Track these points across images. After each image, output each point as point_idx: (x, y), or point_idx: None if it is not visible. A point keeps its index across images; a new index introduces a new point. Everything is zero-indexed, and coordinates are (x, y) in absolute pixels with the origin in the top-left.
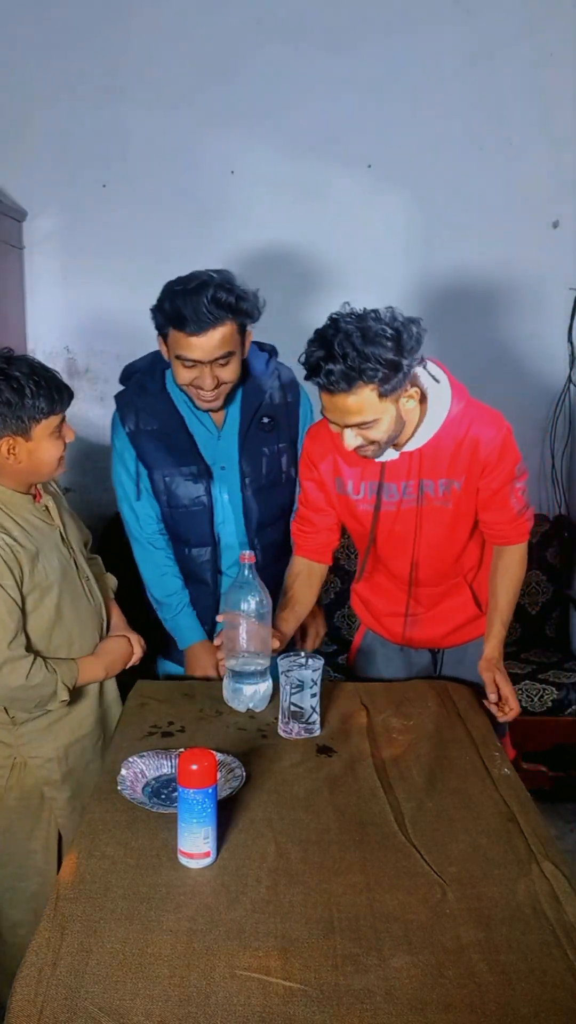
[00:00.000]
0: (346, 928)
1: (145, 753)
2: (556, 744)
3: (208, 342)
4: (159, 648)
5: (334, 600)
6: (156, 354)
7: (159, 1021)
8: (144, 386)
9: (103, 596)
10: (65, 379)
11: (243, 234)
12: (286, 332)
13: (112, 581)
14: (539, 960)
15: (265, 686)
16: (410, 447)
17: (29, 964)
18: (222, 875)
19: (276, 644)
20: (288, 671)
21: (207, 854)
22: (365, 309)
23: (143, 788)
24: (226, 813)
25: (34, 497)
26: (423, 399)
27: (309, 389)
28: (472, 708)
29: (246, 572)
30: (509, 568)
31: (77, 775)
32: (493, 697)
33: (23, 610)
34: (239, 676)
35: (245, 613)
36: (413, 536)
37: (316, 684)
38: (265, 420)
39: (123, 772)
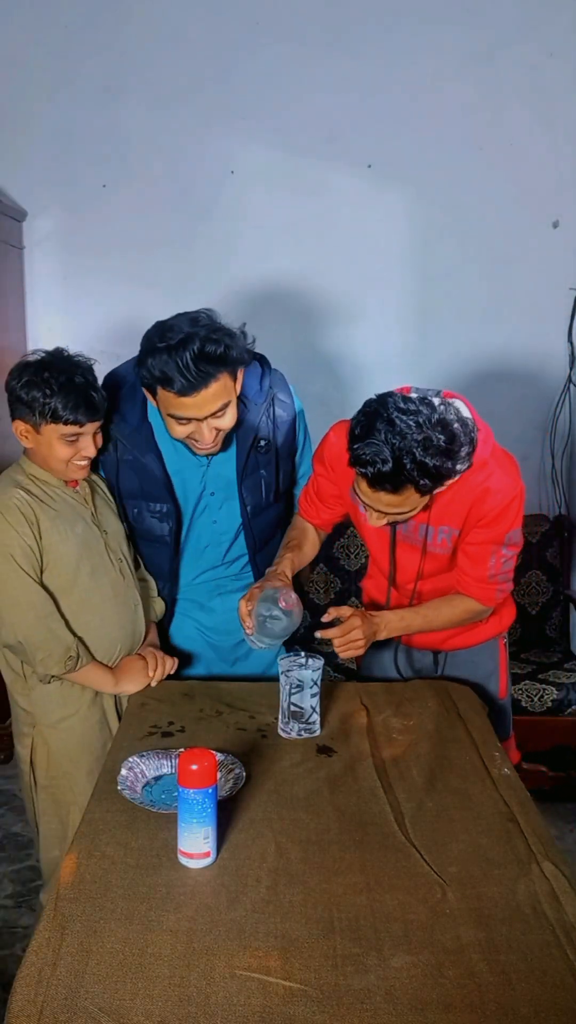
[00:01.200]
0: (346, 928)
1: (145, 753)
2: (556, 744)
3: (202, 401)
4: None
5: (334, 599)
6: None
7: (159, 1021)
8: (123, 414)
9: (145, 617)
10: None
11: (243, 234)
12: (286, 332)
13: (160, 606)
14: (539, 960)
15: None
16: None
17: (29, 964)
18: (222, 875)
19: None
20: (288, 671)
21: (207, 854)
22: (416, 398)
23: (143, 788)
24: (226, 813)
25: (66, 483)
26: None
27: (319, 393)
28: (472, 708)
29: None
30: (454, 602)
31: (94, 748)
32: (327, 618)
33: (41, 565)
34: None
35: (276, 616)
36: (417, 568)
37: (316, 684)
38: (262, 443)
39: (123, 772)
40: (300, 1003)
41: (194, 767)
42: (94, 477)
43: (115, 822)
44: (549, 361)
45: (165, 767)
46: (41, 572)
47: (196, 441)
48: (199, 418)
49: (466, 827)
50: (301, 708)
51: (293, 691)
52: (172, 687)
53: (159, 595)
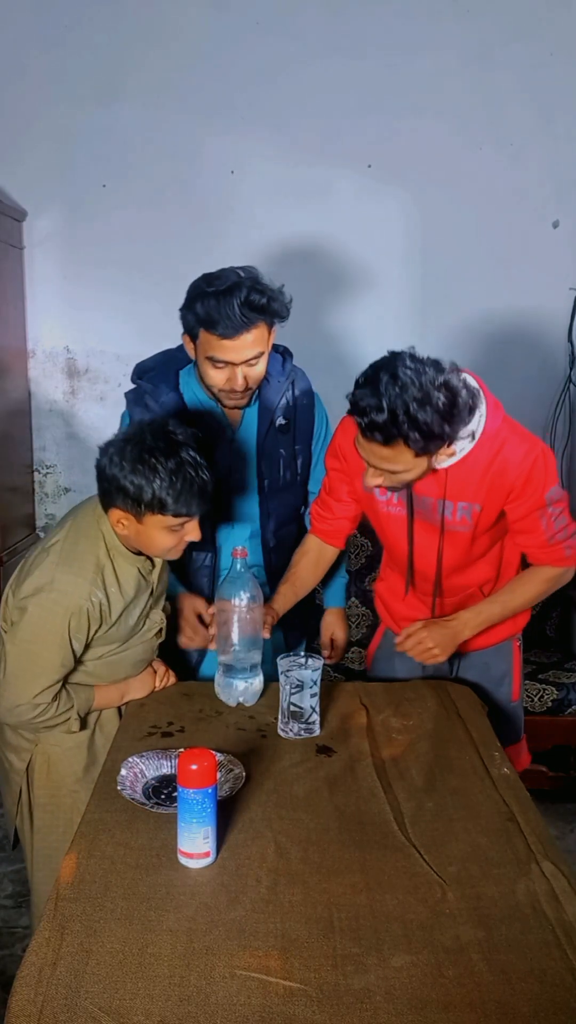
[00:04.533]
0: (346, 928)
1: (145, 753)
2: (556, 744)
3: (241, 344)
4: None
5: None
6: (167, 353)
7: (159, 1021)
8: (156, 386)
9: None
10: (64, 379)
11: (243, 234)
12: (286, 332)
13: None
14: (539, 960)
15: (257, 681)
16: (439, 466)
17: (29, 964)
18: (222, 875)
19: (269, 621)
20: (288, 671)
21: (207, 854)
22: (427, 359)
23: (143, 788)
24: (226, 813)
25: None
26: None
27: (322, 393)
28: (472, 708)
29: (239, 567)
30: (529, 577)
31: (99, 767)
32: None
33: (83, 647)
34: (231, 670)
35: (237, 607)
36: (437, 551)
37: (316, 684)
38: (281, 421)
39: (123, 772)
40: (300, 1003)
41: (194, 767)
42: None
43: (115, 822)
44: (549, 361)
45: (165, 767)
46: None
47: (229, 392)
48: (235, 362)
49: (466, 827)
50: (301, 708)
51: (293, 691)
52: (172, 687)
53: (200, 567)
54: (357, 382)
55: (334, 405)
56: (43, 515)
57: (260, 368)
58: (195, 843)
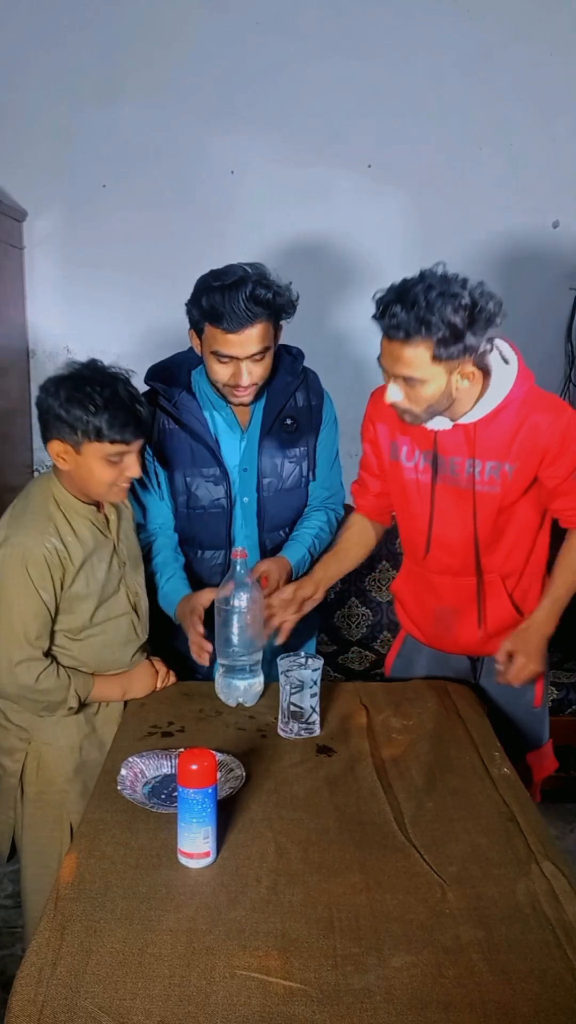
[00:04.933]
0: (346, 928)
1: (145, 753)
2: (556, 744)
3: (246, 339)
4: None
5: (335, 600)
6: (181, 355)
7: (159, 1021)
8: (169, 386)
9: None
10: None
11: (243, 234)
12: (285, 330)
13: None
14: (539, 960)
15: (257, 681)
16: (465, 420)
17: (29, 964)
18: (222, 875)
19: (309, 591)
20: (288, 671)
21: (207, 854)
22: (457, 274)
23: (143, 788)
24: (226, 813)
25: (98, 507)
26: (487, 375)
27: (334, 395)
28: (472, 708)
29: (238, 568)
30: (572, 548)
31: (90, 768)
32: (499, 665)
33: (55, 613)
34: (231, 671)
35: (237, 608)
36: (472, 519)
37: (316, 684)
38: (288, 422)
39: (123, 772)
40: (300, 1003)
41: (194, 767)
42: (121, 505)
43: (115, 822)
44: (549, 361)
45: (165, 767)
46: (53, 623)
47: (234, 387)
48: (240, 357)
49: (466, 827)
50: (301, 708)
51: (293, 691)
52: (172, 687)
53: (212, 564)
54: (384, 290)
55: (334, 404)
56: None
57: (266, 364)
58: (195, 843)
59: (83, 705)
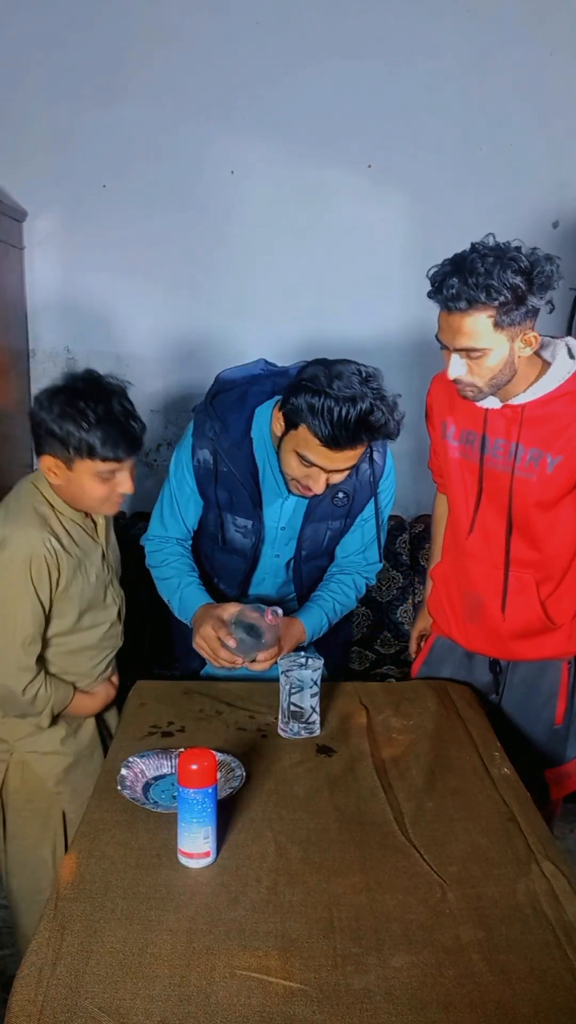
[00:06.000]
0: (346, 928)
1: (145, 753)
2: None
3: (342, 458)
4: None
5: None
6: (249, 382)
7: (159, 1021)
8: (227, 424)
9: None
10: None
11: (243, 234)
12: (285, 330)
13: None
14: (539, 960)
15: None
16: (516, 400)
17: (29, 964)
18: (222, 875)
19: None
20: (288, 671)
21: (207, 854)
22: (508, 242)
23: (143, 788)
24: (226, 813)
25: (85, 513)
26: (546, 362)
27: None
28: (472, 708)
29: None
30: None
31: (82, 766)
32: None
33: (48, 615)
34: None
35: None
36: (508, 505)
37: (316, 684)
38: (340, 495)
39: (123, 772)
40: (300, 1003)
41: (194, 767)
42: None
43: (115, 822)
44: None
45: (165, 767)
46: (45, 626)
47: (304, 487)
48: (326, 469)
49: (466, 827)
50: (301, 708)
51: (293, 691)
52: (172, 687)
53: (234, 572)
54: (438, 265)
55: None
56: None
57: (345, 476)
58: (195, 843)
59: (53, 720)
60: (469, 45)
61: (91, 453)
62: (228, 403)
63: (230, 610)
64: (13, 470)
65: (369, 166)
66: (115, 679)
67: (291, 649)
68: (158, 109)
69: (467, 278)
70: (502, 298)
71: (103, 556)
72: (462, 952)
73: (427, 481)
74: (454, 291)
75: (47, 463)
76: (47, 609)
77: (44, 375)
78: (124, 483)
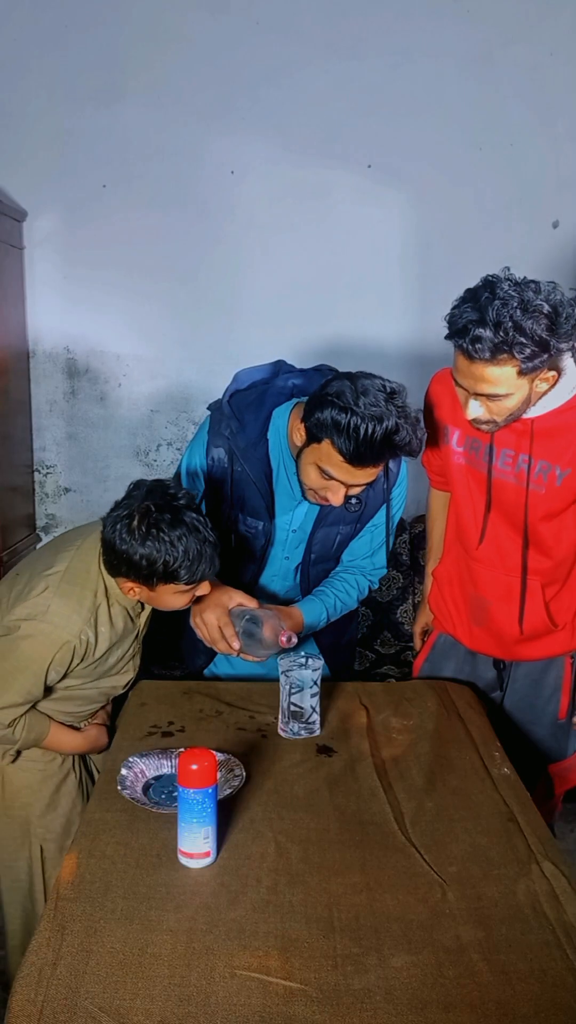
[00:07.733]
0: (346, 928)
1: (145, 753)
2: None
3: (364, 474)
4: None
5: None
6: (269, 381)
7: (159, 1021)
8: (244, 424)
9: None
10: (65, 379)
11: (243, 234)
12: (285, 330)
13: None
14: (539, 960)
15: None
16: (527, 414)
17: (29, 964)
18: (222, 875)
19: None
20: (288, 671)
21: (207, 854)
22: (524, 279)
23: (143, 788)
24: (226, 813)
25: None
26: (559, 374)
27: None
28: (472, 708)
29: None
30: None
31: (53, 778)
32: None
33: (51, 685)
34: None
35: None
36: (524, 516)
37: (316, 684)
38: (353, 501)
39: (123, 772)
40: (300, 1003)
41: (194, 767)
42: None
43: (115, 822)
44: None
45: (165, 767)
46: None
47: (322, 497)
48: (347, 483)
49: (466, 827)
50: (301, 708)
51: (293, 691)
52: (172, 687)
53: (247, 564)
54: (454, 305)
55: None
56: (43, 515)
57: (362, 490)
58: (195, 843)
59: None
60: (469, 45)
61: (175, 580)
62: (246, 403)
63: (236, 599)
64: (13, 470)
65: (369, 166)
66: (106, 712)
67: None
68: (158, 109)
69: (495, 331)
70: (529, 351)
71: (136, 636)
72: (462, 952)
73: (427, 481)
74: (480, 344)
75: (127, 586)
76: (50, 689)
77: (44, 375)
78: (203, 588)
